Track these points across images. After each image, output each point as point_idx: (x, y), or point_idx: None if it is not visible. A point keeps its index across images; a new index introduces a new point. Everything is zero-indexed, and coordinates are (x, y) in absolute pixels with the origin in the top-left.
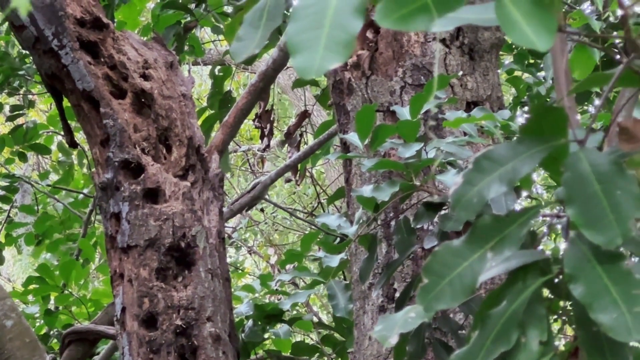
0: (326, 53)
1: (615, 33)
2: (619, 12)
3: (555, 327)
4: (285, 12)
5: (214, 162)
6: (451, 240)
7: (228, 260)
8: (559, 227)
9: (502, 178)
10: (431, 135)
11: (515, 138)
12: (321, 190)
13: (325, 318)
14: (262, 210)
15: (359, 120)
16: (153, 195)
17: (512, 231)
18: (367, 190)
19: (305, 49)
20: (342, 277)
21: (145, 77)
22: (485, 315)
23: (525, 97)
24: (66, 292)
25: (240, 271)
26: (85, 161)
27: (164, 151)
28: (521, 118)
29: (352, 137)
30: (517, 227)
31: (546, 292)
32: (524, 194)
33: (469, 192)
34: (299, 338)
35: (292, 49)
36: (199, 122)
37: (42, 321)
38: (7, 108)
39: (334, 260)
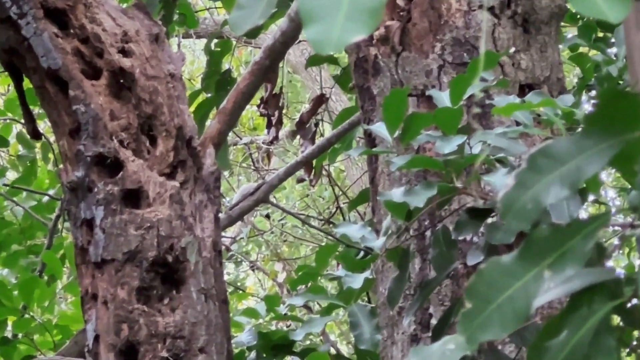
0: (347, 23)
1: None
2: None
3: None
4: None
5: (209, 157)
6: (500, 255)
7: (226, 277)
8: (633, 239)
9: (564, 179)
10: (476, 126)
11: (579, 130)
12: (341, 193)
13: (346, 349)
14: (267, 216)
15: (388, 107)
16: (134, 197)
17: (575, 244)
18: (397, 194)
19: (322, 17)
20: (367, 299)
21: (124, 52)
22: (542, 347)
23: (593, 79)
24: (27, 316)
25: (240, 291)
26: (50, 156)
27: (148, 144)
28: (587, 105)
29: (379, 127)
30: (581, 240)
31: (616, 320)
32: (591, 198)
33: (523, 196)
34: None
35: (305, 17)
36: (191, 109)
37: None
38: None
39: (357, 280)
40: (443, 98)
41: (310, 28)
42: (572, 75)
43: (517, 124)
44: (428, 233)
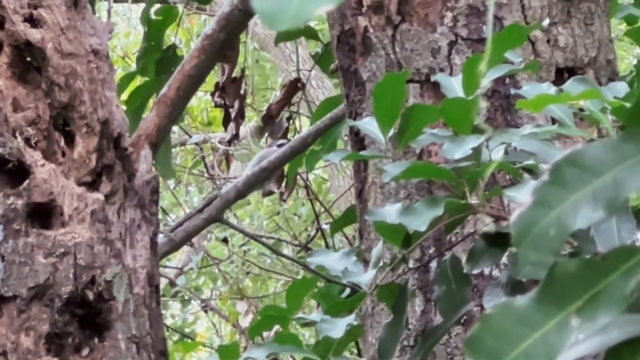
0: None
1: None
2: None
3: None
4: None
5: (144, 161)
6: (523, 295)
7: (170, 321)
8: None
9: (598, 196)
10: (483, 126)
11: (619, 133)
12: (322, 210)
13: None
14: (225, 240)
15: (380, 97)
16: (43, 214)
17: (611, 284)
18: (391, 213)
19: None
20: (356, 351)
21: (32, 21)
22: None
23: None
24: None
25: (189, 340)
26: None
27: (62, 143)
28: None
29: (369, 124)
30: (620, 277)
31: None
32: None
33: (544, 218)
34: None
35: None
36: (123, 96)
37: None
38: None
39: (337, 327)
40: (454, 85)
41: None
42: (629, 56)
43: (553, 121)
44: (433, 265)
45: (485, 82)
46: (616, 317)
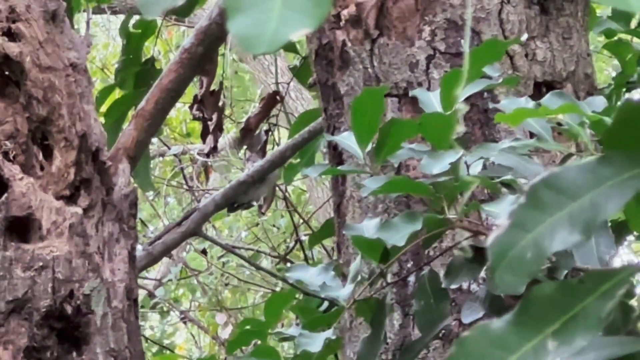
0: (286, 11)
1: None
2: None
3: None
4: None
5: (122, 174)
6: (507, 310)
7: (149, 333)
8: None
9: (575, 220)
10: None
11: (595, 155)
12: (301, 222)
13: None
14: (204, 252)
15: (358, 112)
16: (21, 228)
17: (587, 306)
18: (369, 227)
19: (251, 3)
20: None
21: (10, 35)
22: None
23: (635, 75)
24: None
25: (168, 352)
26: None
27: (41, 157)
28: None
29: (347, 138)
30: (597, 299)
31: None
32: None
33: (520, 241)
34: None
35: (229, 3)
36: (101, 110)
37: None
38: None
39: (315, 341)
40: (432, 100)
41: (236, 20)
42: (607, 69)
43: (531, 135)
44: (411, 279)
45: (463, 97)
46: (593, 339)
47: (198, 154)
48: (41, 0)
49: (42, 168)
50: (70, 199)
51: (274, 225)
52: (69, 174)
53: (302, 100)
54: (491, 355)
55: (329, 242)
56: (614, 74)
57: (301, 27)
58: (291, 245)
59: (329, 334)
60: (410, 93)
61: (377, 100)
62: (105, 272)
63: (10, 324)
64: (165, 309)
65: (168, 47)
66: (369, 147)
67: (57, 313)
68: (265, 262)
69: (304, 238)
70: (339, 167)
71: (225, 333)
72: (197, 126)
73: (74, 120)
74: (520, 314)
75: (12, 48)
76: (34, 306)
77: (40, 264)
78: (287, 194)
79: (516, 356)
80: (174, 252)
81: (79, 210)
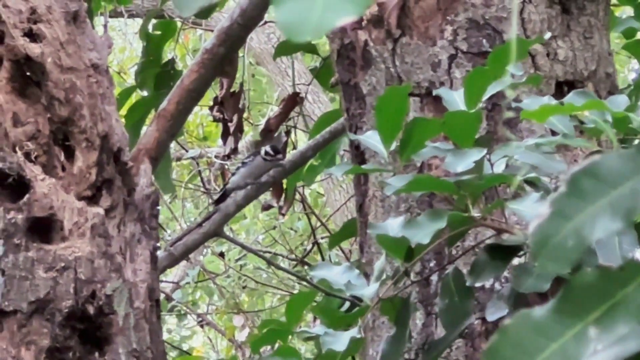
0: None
1: None
2: None
3: None
4: None
5: (144, 175)
6: (531, 307)
7: (166, 335)
8: None
9: (615, 207)
10: (508, 135)
11: (636, 142)
12: (319, 224)
13: None
14: (222, 255)
15: (382, 111)
16: (44, 229)
17: (629, 294)
18: (393, 226)
19: None
20: None
21: (32, 36)
22: None
23: None
24: None
25: (186, 354)
26: None
27: (62, 157)
28: None
29: (370, 137)
30: (637, 288)
31: None
32: None
33: (561, 229)
34: None
35: None
36: (122, 111)
37: None
38: None
39: (340, 340)
40: (455, 99)
41: (281, 7)
42: (626, 69)
43: (553, 133)
44: (434, 278)
45: (487, 96)
46: (634, 326)
47: (216, 156)
48: (62, 1)
49: (63, 169)
50: (92, 200)
51: (291, 228)
52: (91, 174)
53: (319, 103)
54: (533, 342)
55: (346, 245)
56: (630, 77)
57: (346, 15)
58: (308, 247)
59: (355, 332)
60: (434, 92)
61: (402, 98)
62: (127, 273)
63: (33, 325)
64: (182, 312)
65: (185, 50)
66: (393, 146)
67: (80, 313)
68: (283, 265)
69: (322, 241)
70: (362, 166)
71: (242, 336)
72: (214, 130)
73: (95, 121)
74: (562, 302)
75: (34, 49)
76: (56, 307)
77: (63, 264)
78: (304, 196)
79: (558, 344)
80: (191, 255)
81: (101, 211)
